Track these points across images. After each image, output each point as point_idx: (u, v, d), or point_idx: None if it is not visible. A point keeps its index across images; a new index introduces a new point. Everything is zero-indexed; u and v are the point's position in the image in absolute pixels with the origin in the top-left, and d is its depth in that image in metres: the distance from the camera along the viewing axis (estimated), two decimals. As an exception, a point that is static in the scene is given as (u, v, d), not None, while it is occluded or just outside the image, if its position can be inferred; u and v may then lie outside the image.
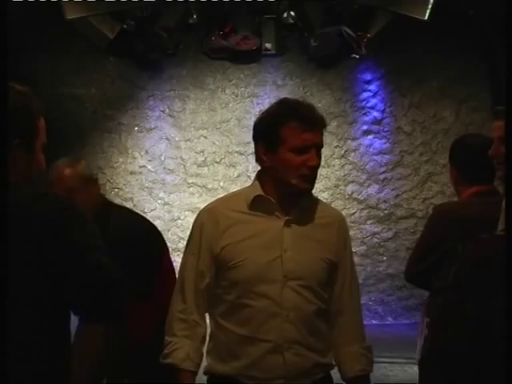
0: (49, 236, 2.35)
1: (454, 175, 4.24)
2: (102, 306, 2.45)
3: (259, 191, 2.90)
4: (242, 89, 7.98)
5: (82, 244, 2.43)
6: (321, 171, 7.97)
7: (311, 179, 2.85)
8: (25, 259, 2.32)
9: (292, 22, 7.42)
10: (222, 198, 3.13)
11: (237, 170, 7.74)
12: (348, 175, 7.90)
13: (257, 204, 2.89)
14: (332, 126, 7.89)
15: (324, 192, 7.77)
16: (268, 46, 7.71)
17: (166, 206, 7.75)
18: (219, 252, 2.87)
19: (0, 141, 2.27)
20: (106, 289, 2.44)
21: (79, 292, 2.41)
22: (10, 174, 2.39)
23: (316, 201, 3.03)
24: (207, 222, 2.94)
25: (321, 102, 7.87)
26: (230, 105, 7.97)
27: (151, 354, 3.48)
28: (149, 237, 4.14)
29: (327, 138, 7.80)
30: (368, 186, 7.73)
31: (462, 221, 4.21)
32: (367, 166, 7.86)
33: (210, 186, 7.85)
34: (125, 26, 7.04)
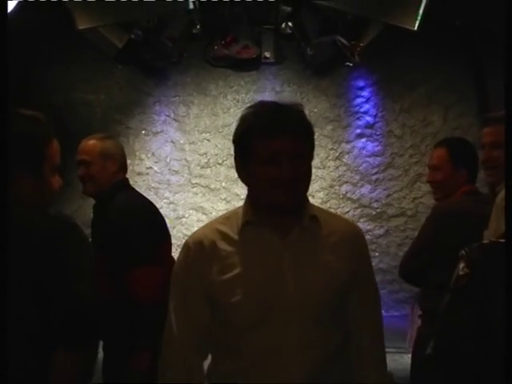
0: (43, 254, 2.34)
1: (455, 175, 4.24)
2: (82, 333, 2.45)
3: (247, 215, 2.43)
4: (243, 95, 7.99)
5: (71, 268, 2.42)
6: (316, 172, 7.97)
7: (290, 193, 2.33)
8: (20, 276, 2.31)
9: (290, 32, 7.42)
10: (211, 223, 2.57)
11: (238, 171, 7.74)
12: (342, 176, 7.89)
13: (249, 230, 2.41)
14: (327, 129, 7.90)
15: (319, 192, 7.75)
16: (267, 54, 7.72)
17: (171, 205, 7.75)
18: (209, 290, 2.39)
19: (0, 140, 2.26)
20: (82, 318, 2.43)
21: (58, 315, 2.39)
22: (15, 199, 2.37)
23: (321, 215, 2.49)
24: (193, 254, 2.44)
25: (316, 107, 7.88)
26: (232, 110, 7.97)
27: (159, 316, 3.50)
28: (154, 213, 4.17)
29: (322, 140, 7.81)
30: (361, 186, 7.72)
31: (463, 218, 4.22)
32: (360, 168, 7.86)
33: (212, 186, 7.85)
34: (132, 36, 7.03)
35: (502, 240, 2.16)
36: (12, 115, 2.40)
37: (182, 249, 2.49)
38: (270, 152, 2.29)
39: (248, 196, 2.48)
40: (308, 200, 2.50)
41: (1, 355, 2.11)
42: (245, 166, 2.39)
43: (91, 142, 4.06)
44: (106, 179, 4.02)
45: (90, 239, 3.84)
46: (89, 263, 2.49)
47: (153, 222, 4.05)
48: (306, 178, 2.40)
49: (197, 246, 2.44)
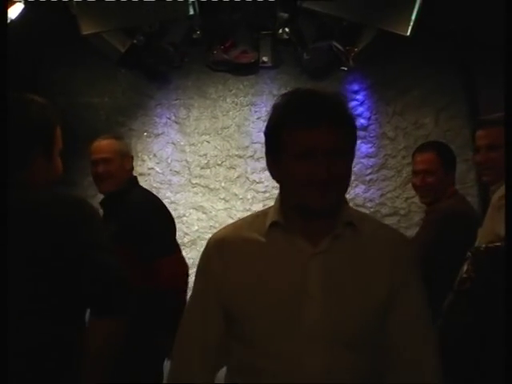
0: (60, 234, 2.35)
1: (446, 178, 4.26)
2: (110, 302, 2.45)
3: (276, 216, 2.11)
4: (241, 98, 7.98)
5: (92, 243, 2.43)
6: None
7: (325, 195, 1.99)
8: (35, 259, 2.31)
9: (287, 37, 7.43)
10: (237, 222, 2.30)
11: (236, 172, 7.74)
12: (337, 176, 7.87)
13: (276, 233, 2.10)
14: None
15: (316, 192, 7.73)
16: (265, 59, 7.72)
17: (172, 205, 7.75)
18: (227, 300, 2.11)
19: (0, 140, 2.27)
20: (112, 287, 2.44)
21: (88, 290, 2.39)
22: (31, 179, 2.39)
23: (359, 221, 2.14)
24: (212, 261, 2.17)
25: (313, 110, 7.88)
26: (231, 112, 7.97)
27: (180, 302, 3.55)
28: (166, 210, 4.22)
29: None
30: (355, 187, 7.72)
31: (469, 218, 4.24)
32: (355, 169, 7.86)
33: (212, 186, 7.85)
34: (135, 41, 7.04)
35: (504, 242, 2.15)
36: (24, 100, 2.43)
37: (203, 251, 2.23)
38: (304, 146, 1.98)
39: (279, 195, 2.18)
40: (346, 203, 2.17)
41: (1, 355, 2.10)
42: (276, 161, 2.09)
43: (108, 141, 4.14)
44: (124, 176, 4.10)
45: None
46: (107, 236, 2.52)
47: (167, 214, 4.13)
48: (344, 179, 2.06)
49: (216, 249, 2.17)
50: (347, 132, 2.05)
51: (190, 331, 2.21)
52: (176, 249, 4.15)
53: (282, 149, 2.05)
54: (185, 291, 3.91)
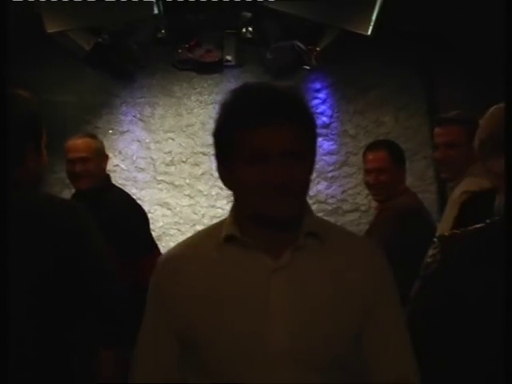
0: (64, 241, 2.28)
1: (397, 175, 4.27)
2: (119, 333, 2.39)
3: (230, 228, 1.81)
4: (206, 96, 7.96)
5: (96, 251, 2.37)
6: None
7: (282, 203, 1.70)
8: (35, 263, 2.25)
9: (250, 36, 7.42)
10: (190, 237, 2.00)
11: (201, 169, 7.71)
12: (300, 173, 7.87)
13: (232, 247, 1.80)
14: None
15: (278, 188, 7.73)
16: (229, 58, 7.70)
17: (137, 201, 7.71)
18: (177, 320, 1.81)
19: (0, 141, 2.22)
20: (117, 312, 2.38)
21: (95, 303, 2.31)
22: (23, 175, 2.33)
23: (325, 231, 1.85)
24: (164, 280, 1.88)
25: (276, 108, 7.88)
26: (195, 110, 7.94)
27: None
28: (142, 208, 4.19)
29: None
30: (318, 183, 7.73)
31: (425, 213, 4.25)
32: (317, 166, 7.81)
33: (177, 183, 7.82)
34: (100, 40, 6.97)
35: (478, 225, 2.16)
36: (11, 95, 2.38)
37: (154, 270, 1.94)
38: (254, 148, 1.68)
39: (233, 204, 1.88)
40: (310, 211, 1.88)
41: (1, 355, 2.04)
42: (226, 166, 1.81)
43: (85, 141, 4.12)
44: (101, 175, 4.07)
45: None
46: (104, 244, 2.47)
47: (144, 212, 4.12)
48: (303, 183, 1.77)
49: (167, 267, 1.89)
50: (304, 130, 1.75)
51: (142, 360, 1.91)
52: (156, 247, 4.14)
53: (230, 152, 1.75)
54: None
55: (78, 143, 4.16)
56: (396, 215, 4.16)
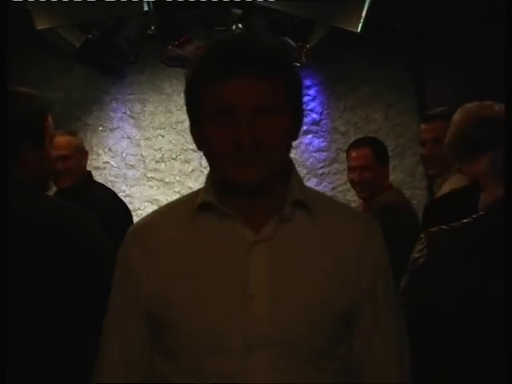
0: (70, 248, 2.26)
1: (381, 172, 4.29)
2: None
3: (206, 195, 1.59)
4: (196, 93, 7.96)
5: (103, 259, 2.35)
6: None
7: (252, 165, 1.48)
8: (39, 270, 2.22)
9: (240, 33, 7.42)
10: (162, 206, 1.79)
11: (191, 166, 7.72)
12: (290, 170, 7.88)
13: (208, 216, 1.57)
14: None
15: (269, 185, 7.74)
16: (219, 55, 7.71)
17: (127, 198, 7.69)
18: (146, 296, 1.58)
19: (0, 141, 2.21)
20: None
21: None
22: (21, 174, 2.32)
23: (312, 200, 1.62)
24: (132, 253, 1.64)
25: (266, 105, 7.89)
26: (185, 107, 7.93)
27: None
28: (126, 207, 4.16)
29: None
30: (308, 180, 7.74)
31: (410, 210, 4.27)
32: (307, 162, 7.88)
33: (167, 180, 7.82)
34: (90, 37, 6.96)
35: (464, 221, 2.17)
36: (10, 92, 2.36)
37: (122, 242, 1.71)
38: (219, 103, 1.48)
39: (209, 171, 1.68)
40: (298, 178, 1.68)
41: (1, 355, 2.03)
42: (195, 126, 1.63)
43: (65, 138, 4.08)
44: (82, 172, 4.04)
45: None
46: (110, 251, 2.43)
47: (127, 208, 4.09)
48: (276, 144, 1.53)
49: (136, 238, 1.66)
50: (281, 83, 1.51)
51: (107, 343, 1.68)
52: None
53: (199, 110, 1.57)
54: None
55: (58, 141, 4.11)
56: (381, 211, 4.17)
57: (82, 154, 4.19)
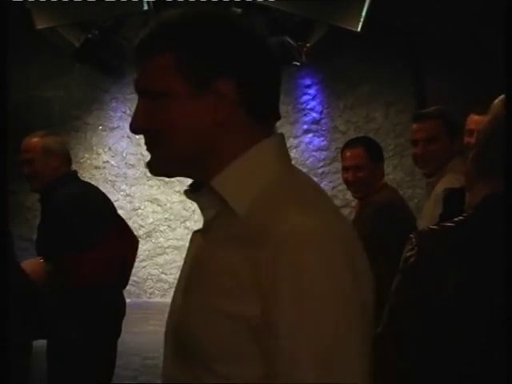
0: None
1: (375, 172, 4.29)
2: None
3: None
4: (195, 92, 7.98)
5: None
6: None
7: (151, 153, 1.30)
8: None
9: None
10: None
11: (191, 165, 7.74)
12: (290, 169, 7.90)
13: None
14: (276, 125, 7.92)
15: (269, 184, 7.76)
16: (218, 54, 7.72)
17: (127, 198, 7.72)
18: None
19: (0, 141, 2.21)
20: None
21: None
22: None
23: (249, 197, 1.24)
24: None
25: (266, 104, 7.91)
26: (185, 106, 7.96)
27: (100, 302, 3.48)
28: (97, 200, 4.07)
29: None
30: (308, 179, 7.75)
31: (406, 208, 4.28)
32: (307, 162, 7.89)
33: (167, 179, 7.82)
34: (90, 36, 6.97)
35: (455, 219, 2.17)
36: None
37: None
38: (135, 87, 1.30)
39: None
40: (233, 166, 1.28)
41: (1, 355, 2.02)
42: None
43: (33, 140, 3.98)
44: (50, 175, 3.93)
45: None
46: None
47: (95, 208, 3.94)
48: (171, 129, 1.26)
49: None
50: (169, 60, 1.25)
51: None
52: (97, 244, 3.93)
53: None
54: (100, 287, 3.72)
55: (25, 143, 4.03)
56: (376, 210, 4.16)
57: (49, 156, 4.04)
